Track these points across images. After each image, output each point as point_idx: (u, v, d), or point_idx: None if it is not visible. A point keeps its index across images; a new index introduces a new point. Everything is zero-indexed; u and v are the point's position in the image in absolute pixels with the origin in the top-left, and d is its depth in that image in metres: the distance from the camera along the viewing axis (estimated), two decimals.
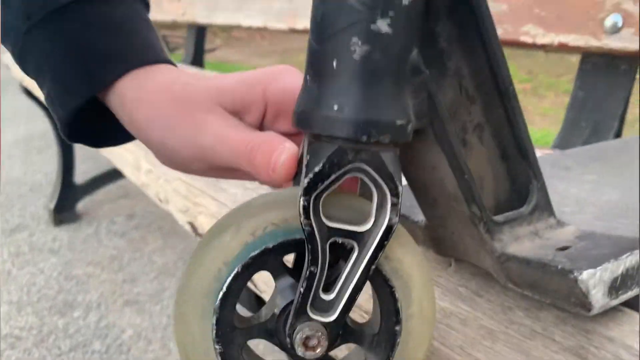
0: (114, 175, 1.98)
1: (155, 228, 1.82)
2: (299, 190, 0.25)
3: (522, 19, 0.82)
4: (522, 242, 0.33)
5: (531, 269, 0.31)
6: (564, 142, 0.79)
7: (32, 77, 0.35)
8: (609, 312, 0.32)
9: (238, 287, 0.27)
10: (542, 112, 4.10)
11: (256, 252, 0.26)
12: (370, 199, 0.26)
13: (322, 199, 0.25)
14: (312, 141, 0.25)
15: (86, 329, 1.30)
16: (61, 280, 1.51)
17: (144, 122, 0.31)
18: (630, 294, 0.31)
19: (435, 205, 0.33)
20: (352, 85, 0.24)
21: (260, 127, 0.33)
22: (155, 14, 2.04)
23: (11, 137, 3.04)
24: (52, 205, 1.88)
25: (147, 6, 0.37)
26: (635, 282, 0.31)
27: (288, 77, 0.32)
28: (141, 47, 0.33)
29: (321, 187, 0.25)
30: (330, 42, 0.24)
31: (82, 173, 2.00)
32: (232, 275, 0.26)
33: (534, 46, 0.81)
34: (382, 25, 0.24)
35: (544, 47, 0.80)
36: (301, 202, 0.25)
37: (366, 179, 0.25)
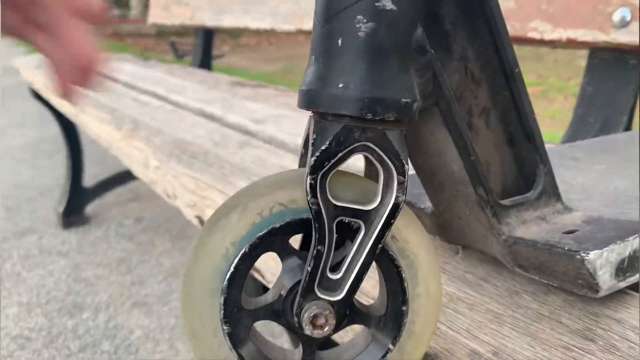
0: (122, 178, 2.00)
1: (163, 231, 1.82)
2: (306, 169, 0.25)
3: (530, 15, 0.82)
4: (529, 226, 0.33)
5: (538, 251, 0.31)
6: (572, 137, 0.79)
7: None
8: (615, 295, 0.32)
9: (245, 268, 0.27)
10: (552, 115, 4.09)
11: (263, 232, 0.26)
12: (377, 179, 0.26)
13: (328, 177, 0.26)
14: (318, 120, 0.26)
15: (95, 329, 1.30)
16: (70, 282, 1.52)
17: None
18: (637, 276, 0.31)
19: (441, 189, 0.34)
20: (357, 63, 0.24)
21: None
22: (164, 19, 2.06)
23: (21, 141, 3.07)
24: (61, 209, 1.90)
25: None
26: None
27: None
28: None
29: (327, 166, 0.25)
30: (335, 20, 0.25)
31: (91, 176, 2.02)
32: (240, 255, 0.26)
33: (542, 42, 0.81)
34: (387, 1, 0.24)
35: (552, 43, 0.80)
36: (308, 181, 0.25)
37: (372, 158, 0.26)
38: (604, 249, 0.29)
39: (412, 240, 0.28)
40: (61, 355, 1.23)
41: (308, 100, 0.26)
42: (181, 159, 0.67)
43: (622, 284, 0.30)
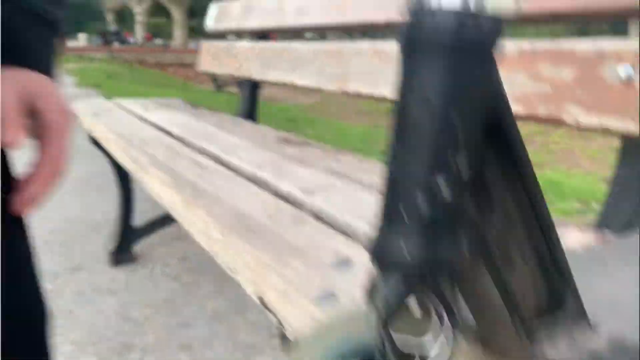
0: (170, 219, 2.10)
1: (207, 272, 1.91)
2: (374, 316, 0.32)
3: (564, 100, 0.88)
4: (557, 345, 0.39)
5: None
6: (606, 220, 0.83)
7: None
8: None
9: None
10: (591, 155, 4.05)
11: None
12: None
13: (392, 319, 0.32)
14: (386, 276, 0.32)
15: None
16: (119, 322, 1.61)
17: None
18: None
19: (482, 316, 0.40)
20: (418, 231, 0.31)
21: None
22: (214, 67, 2.18)
23: (73, 175, 3.23)
24: (110, 247, 2.01)
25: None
26: None
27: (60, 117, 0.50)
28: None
29: (390, 310, 0.31)
30: (399, 196, 0.31)
31: (139, 213, 2.12)
32: None
33: (577, 127, 0.86)
34: (441, 187, 0.30)
35: (586, 128, 0.85)
36: (377, 321, 0.31)
37: (430, 305, 0.32)
38: None
39: None
40: None
41: (379, 259, 0.32)
42: (241, 233, 0.75)
43: None
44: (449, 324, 0.31)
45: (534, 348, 0.38)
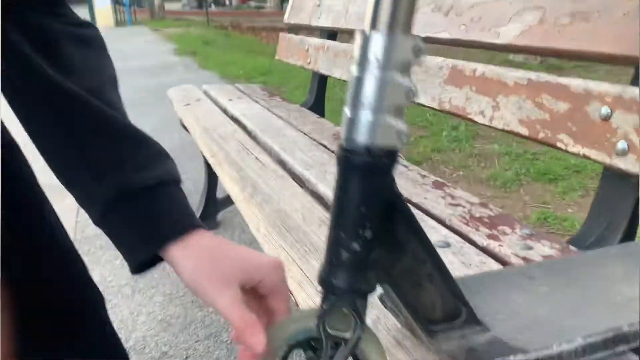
0: None
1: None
2: (318, 317, 0.53)
3: (558, 129, 1.01)
4: (451, 342, 0.58)
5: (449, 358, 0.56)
6: (585, 234, 0.97)
7: (109, 235, 0.53)
8: None
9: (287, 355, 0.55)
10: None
11: (294, 342, 0.54)
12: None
13: (328, 321, 0.53)
14: (326, 296, 0.53)
15: (218, 323, 1.67)
16: None
17: (186, 274, 0.49)
18: None
19: (404, 316, 0.59)
20: (341, 271, 0.51)
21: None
22: (289, 58, 2.39)
23: (168, 145, 3.60)
24: (198, 214, 2.32)
25: (180, 181, 0.56)
26: None
27: (275, 276, 0.52)
28: (182, 219, 0.51)
29: (326, 316, 0.52)
30: (332, 248, 0.52)
31: (222, 188, 2.41)
32: (285, 351, 0.54)
33: (566, 152, 1.00)
34: (355, 246, 0.51)
35: (574, 155, 0.99)
36: (317, 323, 0.52)
37: (350, 313, 0.53)
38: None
39: (370, 352, 0.54)
40: (192, 339, 1.61)
41: (320, 283, 0.53)
42: (280, 231, 0.97)
43: None
44: (360, 325, 0.52)
45: (432, 343, 0.57)
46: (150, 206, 0.51)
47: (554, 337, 0.58)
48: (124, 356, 0.77)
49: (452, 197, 1.13)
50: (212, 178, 2.37)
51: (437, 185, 1.20)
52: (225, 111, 2.01)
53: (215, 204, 2.38)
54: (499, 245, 0.89)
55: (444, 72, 1.38)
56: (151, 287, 1.89)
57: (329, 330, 0.53)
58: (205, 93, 2.37)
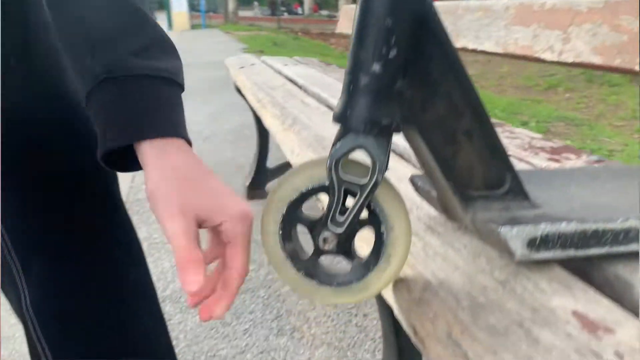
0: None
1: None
2: (329, 155, 0.45)
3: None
4: (491, 212, 0.48)
5: (487, 228, 0.46)
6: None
7: (93, 117, 0.48)
8: (537, 264, 0.46)
9: (295, 207, 0.47)
10: None
11: (306, 189, 0.47)
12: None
13: (340, 163, 0.45)
14: (339, 130, 0.45)
15: (256, 279, 1.62)
16: None
17: (149, 184, 0.45)
18: (552, 253, 0.45)
19: (436, 182, 0.50)
20: (359, 98, 0.43)
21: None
22: (349, 30, 2.33)
23: (228, 126, 3.63)
24: (247, 183, 2.29)
25: (181, 87, 0.51)
26: (556, 246, 0.44)
27: (239, 225, 0.47)
28: (166, 121, 0.47)
29: (338, 156, 0.44)
30: (350, 74, 0.44)
31: (273, 159, 2.38)
32: (293, 199, 0.47)
33: None
34: (377, 67, 0.43)
35: None
36: (327, 164, 0.45)
37: (366, 154, 0.44)
38: (515, 226, 0.43)
39: (389, 206, 0.46)
40: None
41: (335, 118, 0.45)
42: (315, 149, 0.90)
43: (537, 256, 0.44)
44: (379, 168, 0.44)
45: (467, 210, 0.48)
46: (136, 95, 0.47)
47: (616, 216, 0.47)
48: (131, 231, 0.73)
49: (512, 132, 1.02)
50: (263, 148, 2.34)
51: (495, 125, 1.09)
52: (278, 72, 1.97)
53: (265, 173, 2.34)
54: (561, 166, 0.78)
55: (510, 12, 1.27)
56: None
57: (342, 175, 0.45)
58: (263, 61, 2.34)
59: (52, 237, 0.65)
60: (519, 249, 0.44)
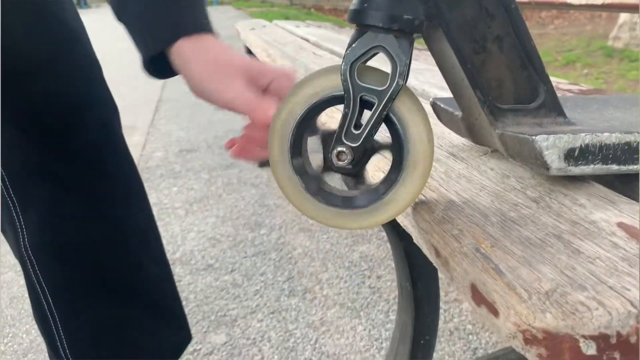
0: None
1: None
2: (344, 58, 0.40)
3: None
4: (522, 127, 0.44)
5: (516, 140, 0.42)
6: None
7: (128, 27, 0.49)
8: (576, 181, 0.41)
9: (307, 121, 0.43)
10: None
11: (316, 101, 0.42)
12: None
13: (356, 67, 0.40)
14: (355, 29, 0.40)
15: (268, 243, 1.59)
16: (256, 207, 1.84)
17: (195, 73, 0.47)
18: (592, 167, 0.40)
19: (461, 96, 0.46)
20: None
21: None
22: None
23: None
24: None
25: None
26: (597, 159, 0.40)
27: (284, 81, 0.47)
28: (200, 18, 0.48)
29: (354, 58, 0.40)
30: None
31: None
32: (305, 111, 0.42)
33: None
34: None
35: None
36: (342, 67, 0.40)
37: (385, 55, 0.40)
38: (552, 135, 0.39)
39: (410, 114, 0.41)
40: (239, 255, 1.53)
41: (350, 17, 0.41)
42: None
43: (575, 170, 0.40)
44: (399, 73, 0.39)
45: (496, 124, 0.43)
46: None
47: None
48: (131, 165, 0.69)
49: None
50: None
51: None
52: (290, 32, 1.92)
53: None
54: None
55: None
56: (205, 210, 1.84)
57: (359, 81, 0.41)
58: (275, 24, 2.29)
59: (49, 171, 0.62)
60: (555, 161, 0.40)
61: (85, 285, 0.67)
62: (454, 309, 1.24)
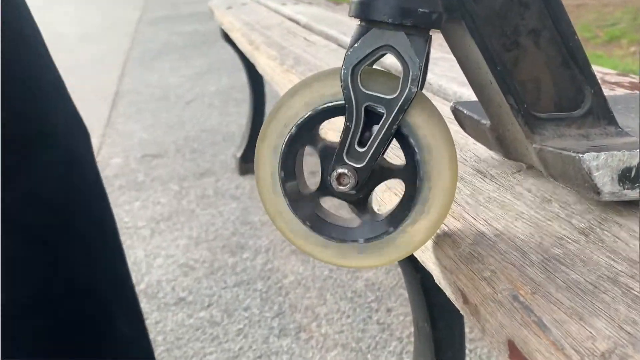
0: None
1: None
2: (344, 60, 0.40)
3: None
4: (566, 139, 0.43)
5: (559, 157, 0.41)
6: None
7: None
8: (632, 206, 0.41)
9: (301, 135, 0.42)
10: None
11: (310, 113, 0.42)
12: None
13: (360, 70, 0.40)
14: (358, 25, 0.40)
15: (252, 269, 1.58)
16: (237, 224, 1.84)
17: None
18: None
19: (489, 101, 0.45)
20: None
21: None
22: None
23: (214, 88, 3.58)
24: (239, 154, 2.25)
25: None
26: None
27: None
28: None
29: (357, 60, 0.39)
30: None
31: None
32: (297, 124, 0.42)
33: None
34: None
35: None
36: (342, 71, 0.40)
37: (395, 57, 0.39)
38: (603, 152, 0.38)
39: (427, 128, 0.41)
40: (218, 286, 1.53)
41: (352, 11, 0.40)
42: None
43: (631, 194, 0.39)
44: (411, 79, 0.39)
45: (533, 137, 0.43)
46: None
47: None
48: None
49: None
50: (258, 113, 2.30)
51: None
52: (274, 11, 1.92)
53: None
54: None
55: None
56: (175, 230, 1.84)
57: (363, 88, 0.40)
58: (255, 0, 2.29)
59: (4, 218, 0.62)
60: (607, 184, 0.39)
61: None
62: (481, 348, 1.24)
